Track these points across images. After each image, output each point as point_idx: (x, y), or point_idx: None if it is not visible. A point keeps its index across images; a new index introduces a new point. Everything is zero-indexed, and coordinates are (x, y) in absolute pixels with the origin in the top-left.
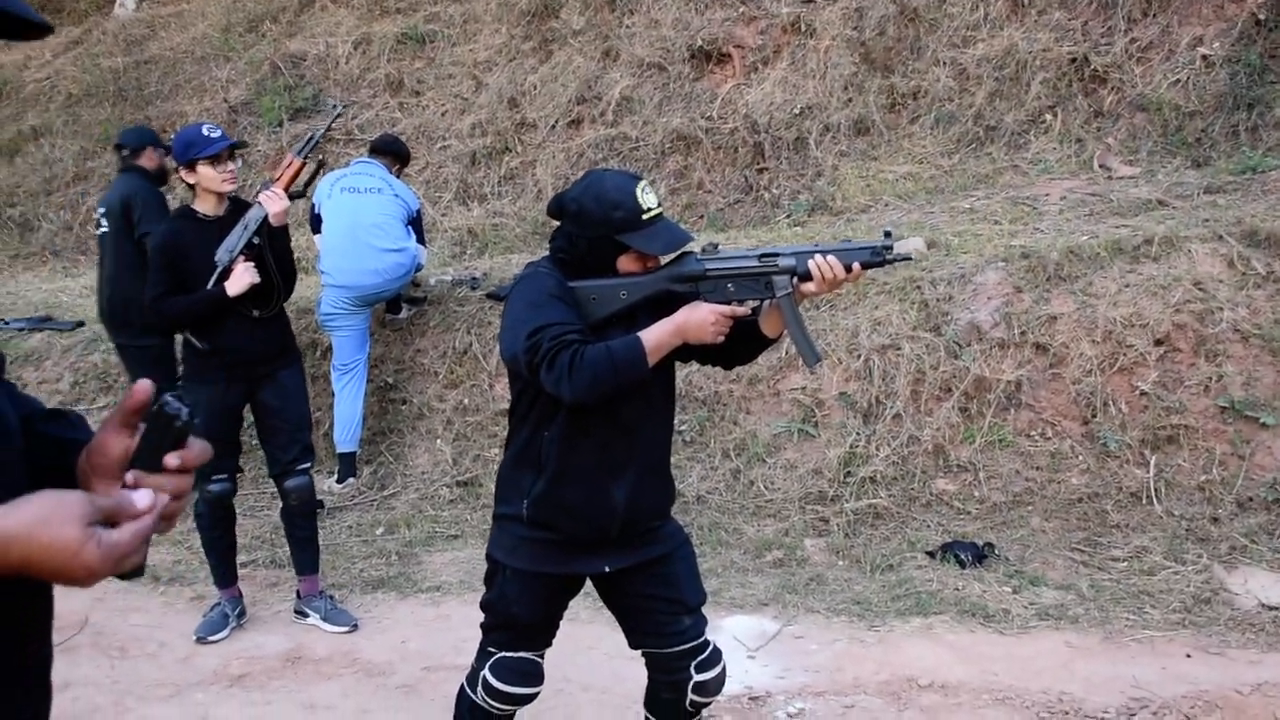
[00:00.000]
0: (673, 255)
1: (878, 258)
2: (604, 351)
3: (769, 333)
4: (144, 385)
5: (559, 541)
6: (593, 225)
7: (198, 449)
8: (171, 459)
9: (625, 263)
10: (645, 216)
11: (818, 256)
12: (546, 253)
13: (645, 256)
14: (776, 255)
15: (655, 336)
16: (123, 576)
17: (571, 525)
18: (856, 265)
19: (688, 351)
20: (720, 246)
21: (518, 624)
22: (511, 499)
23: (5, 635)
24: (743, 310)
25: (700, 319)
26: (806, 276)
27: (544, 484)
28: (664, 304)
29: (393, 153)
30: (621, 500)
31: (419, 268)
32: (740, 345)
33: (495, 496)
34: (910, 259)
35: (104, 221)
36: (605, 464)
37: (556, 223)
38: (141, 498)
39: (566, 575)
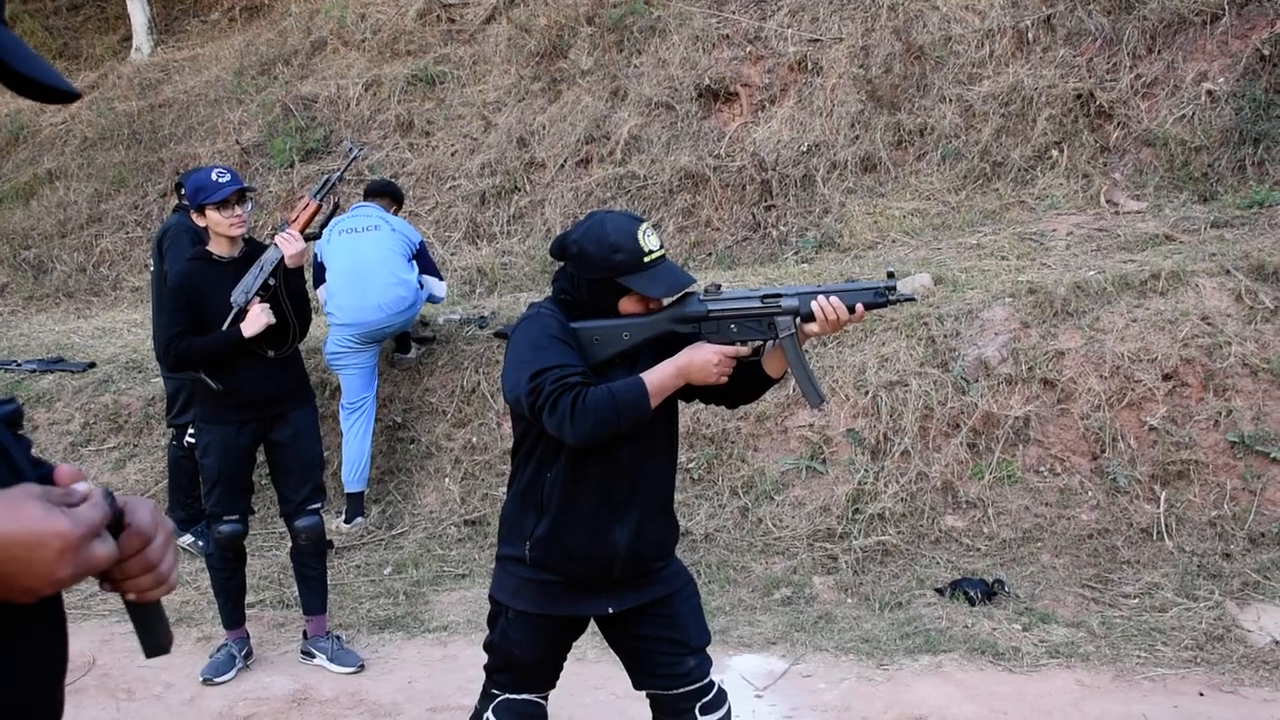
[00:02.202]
0: (676, 296)
1: (881, 299)
2: (606, 394)
3: (772, 373)
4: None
5: (561, 583)
6: (595, 267)
7: (138, 522)
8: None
9: (628, 304)
10: (647, 259)
11: (820, 297)
12: (549, 293)
13: (647, 298)
14: (780, 296)
15: (658, 378)
16: (152, 653)
17: (574, 566)
18: (859, 306)
19: (691, 392)
20: (723, 287)
21: (521, 666)
22: (514, 540)
23: (38, 673)
24: (745, 350)
25: (703, 360)
26: (809, 317)
27: (546, 525)
28: (667, 345)
29: (388, 194)
30: (624, 541)
31: (439, 300)
32: (743, 385)
33: (499, 537)
34: (914, 300)
35: (151, 260)
36: (608, 504)
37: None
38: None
39: (569, 617)
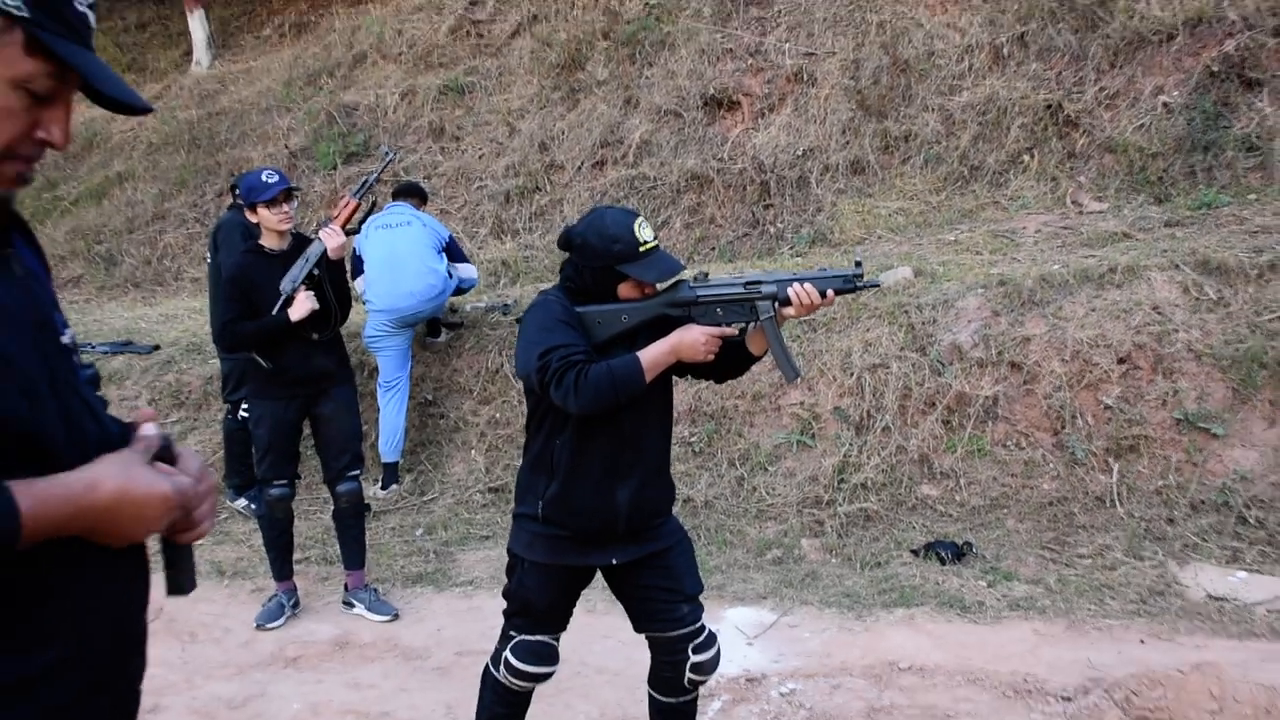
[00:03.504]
0: (668, 283)
1: (849, 285)
2: (605, 369)
3: (754, 351)
4: (143, 429)
5: (570, 537)
6: (596, 256)
7: (183, 467)
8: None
9: (625, 290)
10: (642, 249)
11: (796, 284)
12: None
13: (643, 284)
14: (760, 283)
15: (652, 355)
16: (173, 591)
17: (580, 523)
18: (830, 291)
19: (683, 368)
20: (710, 275)
21: (535, 610)
22: (528, 500)
23: (129, 603)
24: (730, 331)
25: (693, 340)
26: (786, 302)
27: (556, 486)
28: (661, 326)
29: (416, 193)
30: (625, 500)
31: (473, 284)
32: (729, 362)
33: (515, 498)
34: (879, 285)
35: (208, 253)
36: (610, 468)
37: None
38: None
39: (578, 567)
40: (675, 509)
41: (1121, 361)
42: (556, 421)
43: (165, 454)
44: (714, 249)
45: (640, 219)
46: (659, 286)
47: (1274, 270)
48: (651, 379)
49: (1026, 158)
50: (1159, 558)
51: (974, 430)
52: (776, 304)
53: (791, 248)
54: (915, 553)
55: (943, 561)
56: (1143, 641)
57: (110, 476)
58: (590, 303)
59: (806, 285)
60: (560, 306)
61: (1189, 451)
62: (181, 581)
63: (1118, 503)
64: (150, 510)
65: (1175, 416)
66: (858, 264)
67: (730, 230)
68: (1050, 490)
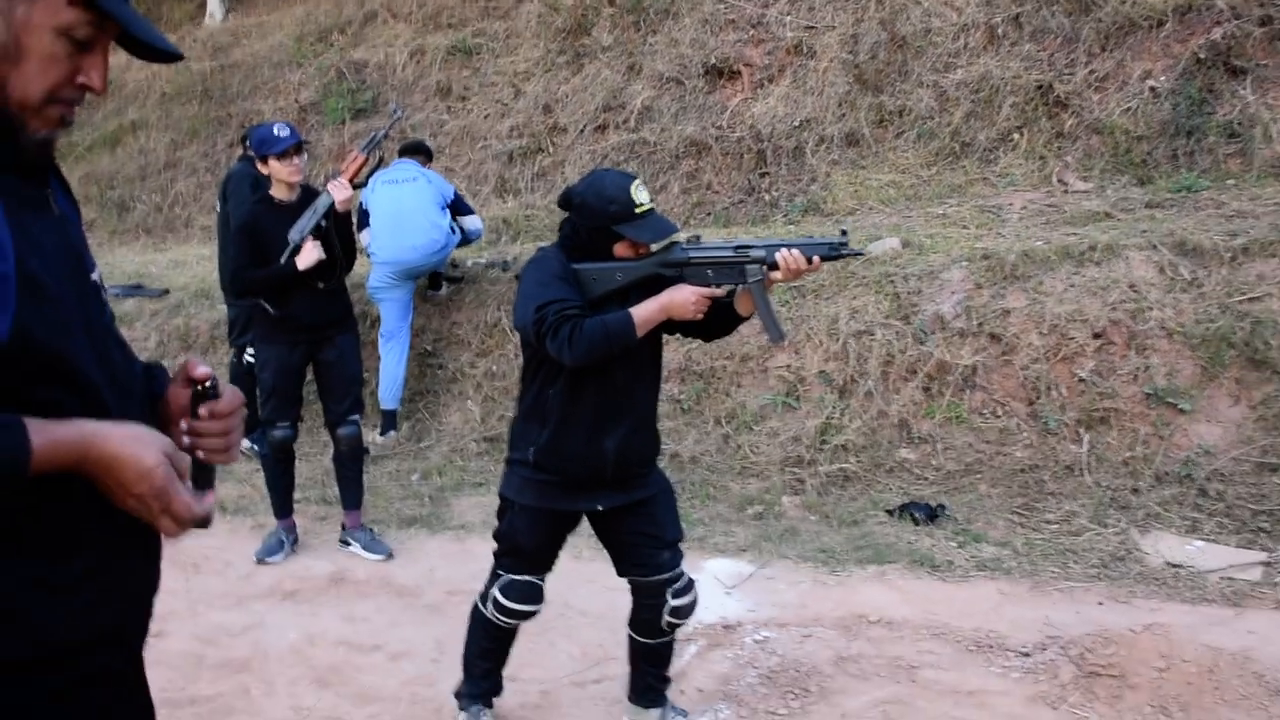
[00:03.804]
0: (662, 244)
1: (834, 252)
2: (599, 324)
3: (742, 312)
4: (198, 369)
5: (560, 483)
6: (593, 216)
7: (226, 400)
8: (202, 410)
9: (621, 249)
10: (638, 210)
11: (784, 249)
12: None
13: (637, 244)
14: (749, 247)
15: (644, 312)
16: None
17: (571, 468)
18: (816, 258)
19: (673, 326)
20: (701, 238)
21: (523, 551)
22: (521, 446)
23: (127, 599)
24: (719, 292)
25: (683, 299)
26: (774, 266)
27: (548, 433)
28: (654, 285)
29: (422, 151)
30: (613, 448)
31: (479, 234)
32: (717, 322)
33: (508, 444)
34: (862, 254)
35: (218, 202)
36: (600, 417)
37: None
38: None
39: (566, 512)
40: (663, 463)
41: (1097, 336)
42: (550, 372)
43: (212, 390)
44: (710, 215)
45: (637, 182)
46: (653, 247)
47: (1247, 253)
48: (643, 335)
49: (1016, 136)
50: (1122, 525)
51: (952, 398)
52: (765, 268)
53: (785, 216)
54: (890, 513)
55: (916, 522)
56: (1101, 603)
57: (113, 439)
58: (587, 261)
59: (794, 251)
60: (558, 263)
61: (1156, 425)
62: (201, 479)
63: (1086, 472)
64: (136, 487)
65: (1145, 391)
66: (843, 232)
67: (726, 197)
68: (1023, 458)
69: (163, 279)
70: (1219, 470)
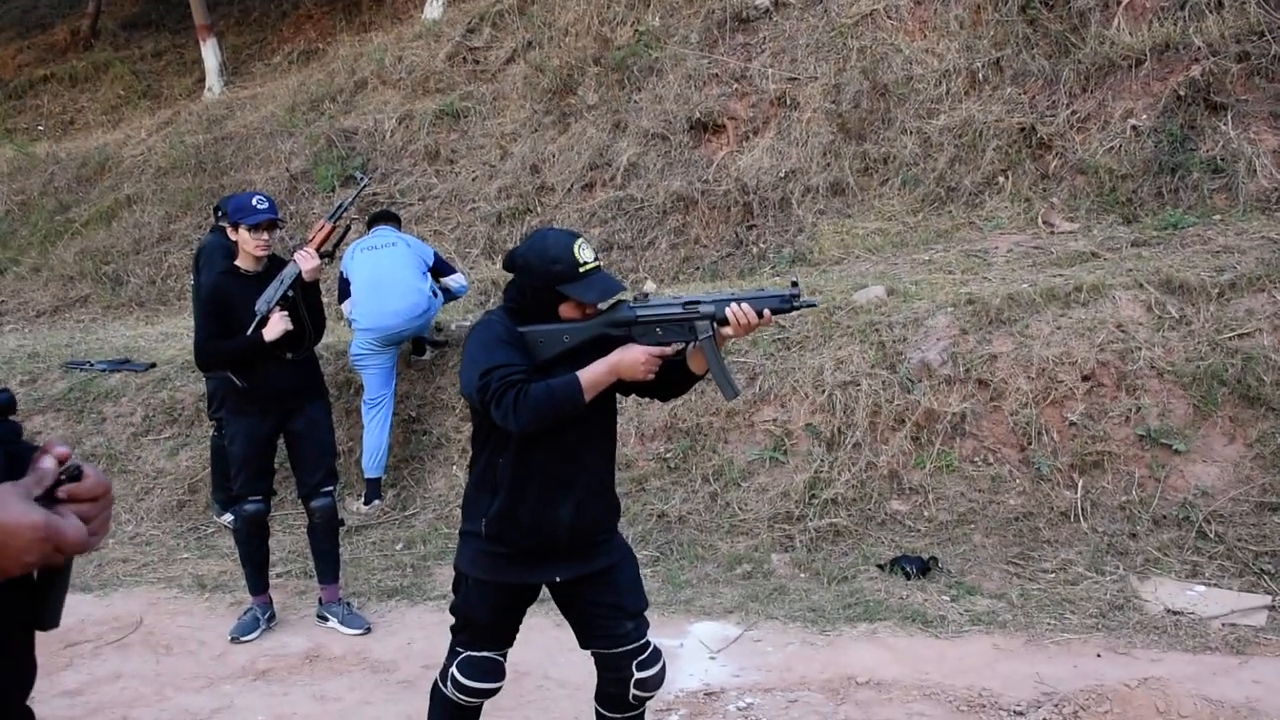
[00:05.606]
0: (609, 303)
1: (786, 304)
2: (545, 388)
3: (695, 370)
4: (58, 449)
5: (513, 554)
6: (537, 277)
7: (89, 484)
8: (60, 492)
9: (566, 310)
10: (582, 270)
11: (734, 304)
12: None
13: (583, 304)
14: (699, 303)
15: (592, 375)
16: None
17: (524, 539)
18: (767, 311)
19: (626, 387)
20: (650, 295)
21: (480, 626)
22: (473, 517)
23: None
24: (670, 351)
25: (633, 359)
26: (724, 321)
27: (500, 503)
28: (602, 346)
29: (394, 218)
30: (568, 517)
31: (463, 291)
32: (671, 380)
33: (462, 515)
34: (815, 305)
35: (192, 275)
36: (553, 485)
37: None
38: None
39: (521, 584)
40: (650, 523)
41: (1086, 379)
42: (500, 440)
43: (74, 476)
44: (698, 269)
45: (581, 240)
46: (600, 306)
47: (1234, 289)
48: (592, 397)
49: (1001, 179)
50: (1120, 572)
51: (942, 446)
52: (715, 324)
53: (773, 267)
54: (882, 567)
55: (908, 576)
56: (1099, 655)
57: None
58: (533, 323)
59: (744, 305)
60: (502, 326)
61: (1151, 467)
62: (43, 615)
63: (1082, 518)
64: (16, 540)
65: (1138, 433)
66: (794, 284)
67: (714, 250)
68: (1016, 506)
69: (152, 352)
70: (1217, 511)
